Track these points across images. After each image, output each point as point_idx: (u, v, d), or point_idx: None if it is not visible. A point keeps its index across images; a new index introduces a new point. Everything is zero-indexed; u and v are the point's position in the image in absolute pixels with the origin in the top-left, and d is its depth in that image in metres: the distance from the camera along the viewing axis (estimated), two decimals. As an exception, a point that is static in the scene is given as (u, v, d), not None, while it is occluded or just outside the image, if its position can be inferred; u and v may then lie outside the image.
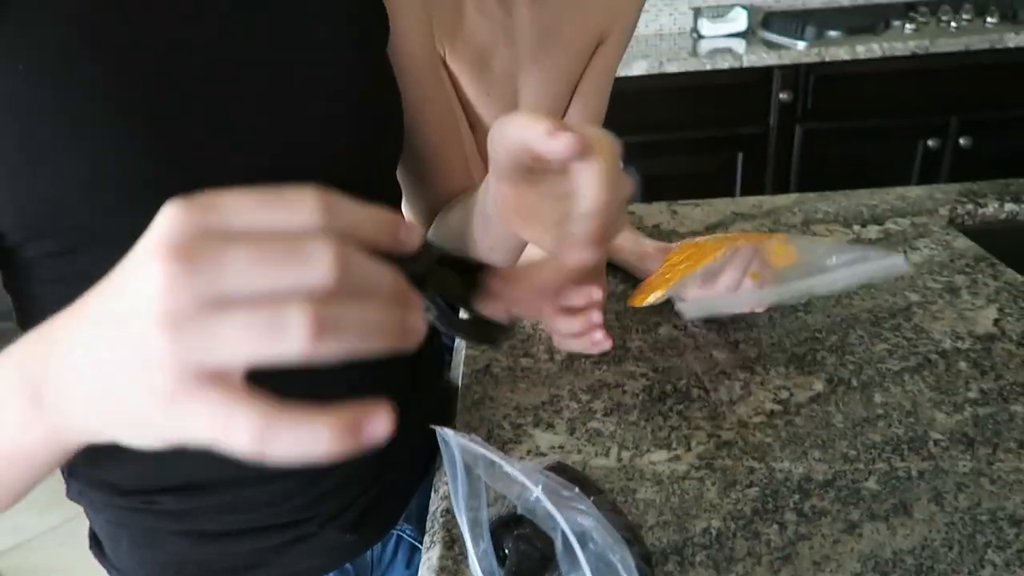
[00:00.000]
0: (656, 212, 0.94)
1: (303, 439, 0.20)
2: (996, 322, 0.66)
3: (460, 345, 0.70)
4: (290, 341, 0.19)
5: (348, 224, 0.21)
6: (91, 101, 0.38)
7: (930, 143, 1.93)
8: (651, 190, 2.01)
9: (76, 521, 1.30)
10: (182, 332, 0.19)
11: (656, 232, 0.89)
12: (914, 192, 0.95)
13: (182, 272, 0.19)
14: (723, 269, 0.61)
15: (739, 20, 2.13)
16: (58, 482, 0.50)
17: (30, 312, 0.45)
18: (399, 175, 0.59)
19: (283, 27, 0.45)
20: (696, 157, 1.99)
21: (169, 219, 0.20)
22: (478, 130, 0.82)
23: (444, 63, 0.77)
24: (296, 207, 0.21)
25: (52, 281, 0.42)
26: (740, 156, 1.98)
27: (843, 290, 0.70)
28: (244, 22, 0.43)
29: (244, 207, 0.21)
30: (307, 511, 0.51)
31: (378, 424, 0.20)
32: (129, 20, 0.39)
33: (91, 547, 0.56)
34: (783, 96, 1.89)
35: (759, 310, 0.67)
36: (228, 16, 0.43)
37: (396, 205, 0.58)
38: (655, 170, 1.99)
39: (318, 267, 0.19)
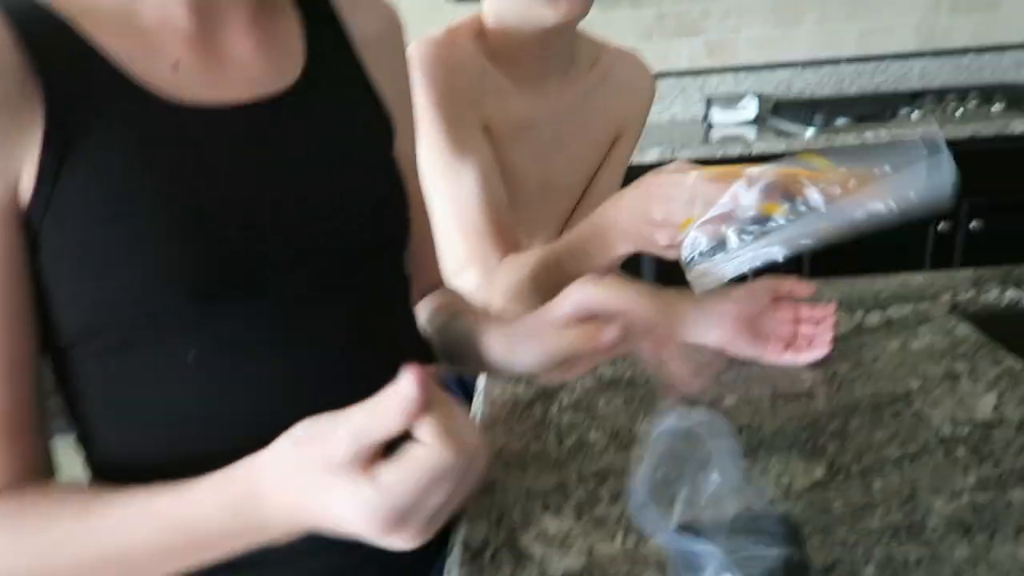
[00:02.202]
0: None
1: None
2: (995, 408, 0.67)
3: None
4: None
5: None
6: (152, 214, 0.43)
7: (940, 226, 1.96)
8: (665, 276, 2.06)
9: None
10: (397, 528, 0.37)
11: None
12: (917, 279, 0.98)
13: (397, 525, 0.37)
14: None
15: (750, 108, 2.22)
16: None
17: (78, 400, 0.49)
18: None
19: (322, 140, 0.52)
20: (711, 239, 2.04)
21: (369, 506, 0.36)
22: (516, 191, 0.89)
23: (488, 130, 0.86)
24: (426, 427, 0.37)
25: (104, 375, 0.47)
26: (754, 238, 2.02)
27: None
28: (288, 139, 0.50)
29: (409, 479, 0.37)
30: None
31: None
32: (187, 140, 0.46)
33: None
34: (794, 181, 1.94)
35: (779, 257, 0.61)
36: (275, 135, 0.49)
37: (407, 292, 0.63)
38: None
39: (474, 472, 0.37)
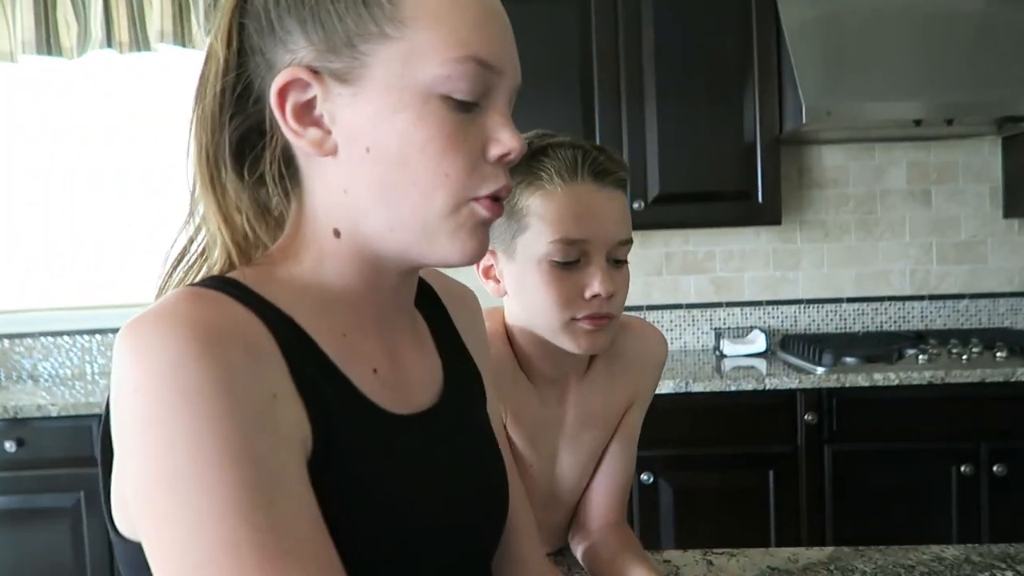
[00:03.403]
0: (692, 562, 0.94)
1: None
2: None
3: None
4: None
5: None
6: (368, 518, 0.47)
7: (963, 469, 1.93)
8: (685, 503, 2.00)
9: None
10: None
11: (692, 586, 0.88)
12: (950, 552, 0.94)
13: None
14: None
15: (758, 342, 2.29)
16: None
17: None
18: None
19: (467, 442, 0.57)
20: (728, 473, 2.00)
21: None
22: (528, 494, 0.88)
23: (505, 429, 0.86)
24: None
25: None
26: (771, 474, 1.98)
27: None
28: (446, 444, 0.55)
29: None
30: None
31: None
32: (391, 446, 0.50)
33: None
34: (808, 417, 1.95)
35: None
36: (439, 441, 0.54)
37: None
38: (689, 483, 2.00)
39: None
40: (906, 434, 1.96)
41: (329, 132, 0.47)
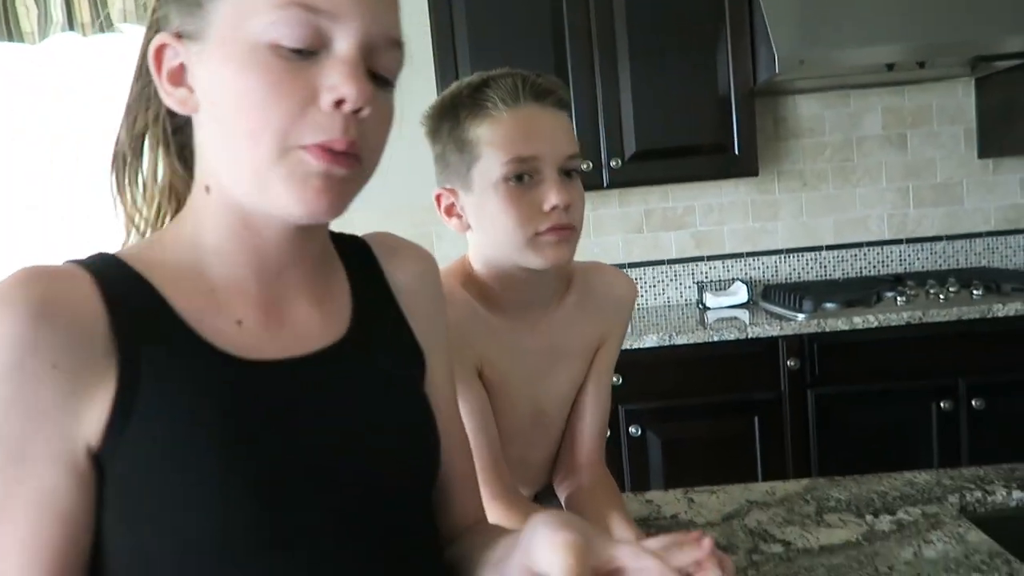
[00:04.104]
0: (673, 500, 0.97)
1: None
2: (1020, 630, 0.65)
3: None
4: None
5: None
6: (207, 466, 0.47)
7: (943, 405, 1.97)
8: (673, 454, 2.04)
9: None
10: None
11: (674, 523, 0.92)
12: (922, 478, 0.98)
13: None
14: None
15: (740, 293, 2.32)
16: None
17: None
18: None
19: (365, 390, 0.56)
20: (715, 422, 2.04)
21: None
22: (499, 427, 0.90)
23: (480, 374, 0.88)
24: None
25: None
26: (757, 420, 2.03)
27: None
28: (335, 390, 0.54)
29: None
30: None
31: None
32: (246, 394, 0.50)
33: None
34: (790, 363, 1.99)
35: None
36: (324, 387, 0.54)
37: (434, 526, 0.63)
38: (677, 434, 2.04)
39: None
40: (887, 375, 2.00)
41: (192, 91, 0.51)
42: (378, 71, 0.51)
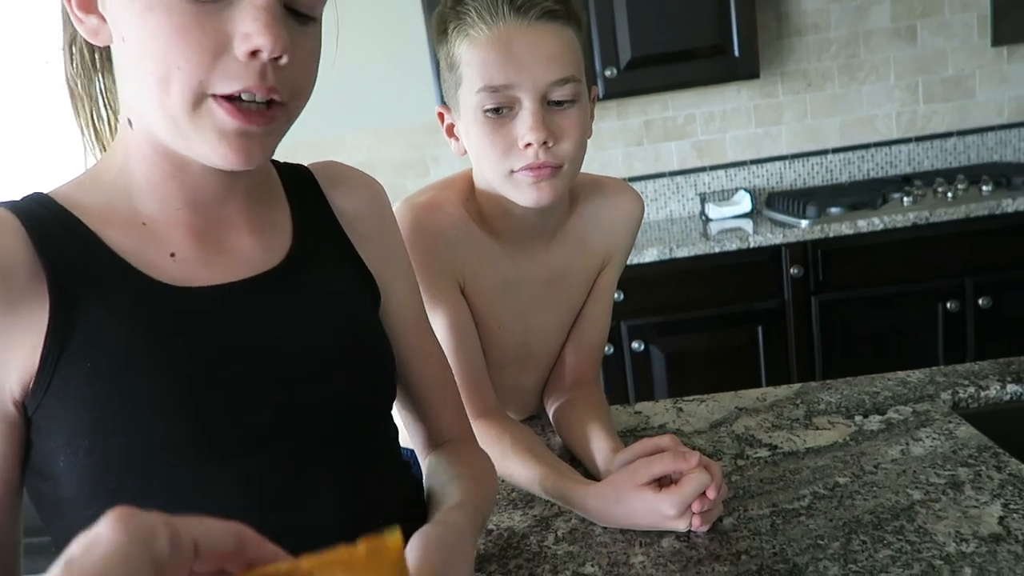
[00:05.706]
0: (662, 410, 0.97)
1: None
2: (1001, 520, 0.65)
3: None
4: None
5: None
6: (145, 390, 0.47)
7: (949, 305, 1.95)
8: (677, 368, 2.05)
9: None
10: None
11: (663, 432, 0.91)
12: (915, 376, 0.97)
13: None
14: None
15: (744, 203, 2.27)
16: None
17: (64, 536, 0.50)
18: (399, 411, 0.67)
19: (307, 311, 0.55)
20: (718, 333, 2.04)
21: None
22: (488, 353, 0.89)
23: (464, 293, 0.86)
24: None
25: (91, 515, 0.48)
26: (760, 330, 2.02)
27: None
28: (274, 312, 0.53)
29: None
30: None
31: None
32: (180, 319, 0.50)
33: None
34: (794, 271, 1.96)
35: None
36: (262, 309, 0.53)
37: (395, 440, 0.64)
38: (680, 347, 2.04)
39: None
40: (892, 278, 1.97)
41: (104, 20, 0.48)
42: (297, 7, 0.47)
